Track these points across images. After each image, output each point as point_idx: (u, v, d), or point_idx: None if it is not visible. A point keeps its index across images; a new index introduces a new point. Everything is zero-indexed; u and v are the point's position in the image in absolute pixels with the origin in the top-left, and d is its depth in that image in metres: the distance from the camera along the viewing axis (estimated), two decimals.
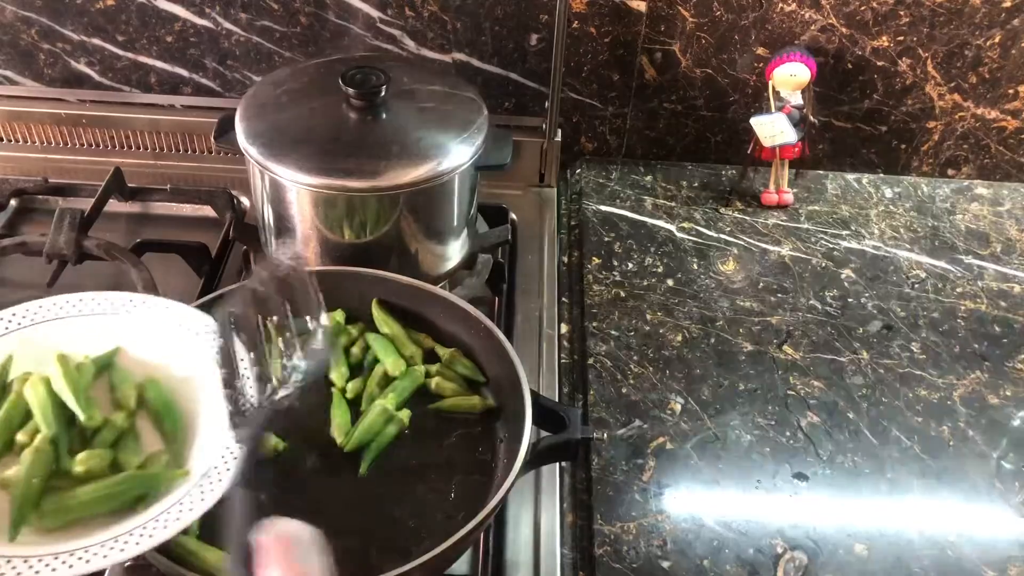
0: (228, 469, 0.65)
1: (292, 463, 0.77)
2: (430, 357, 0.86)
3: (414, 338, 0.87)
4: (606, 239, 1.12)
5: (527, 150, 1.19)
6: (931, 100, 1.19)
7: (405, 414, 0.80)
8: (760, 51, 1.16)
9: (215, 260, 1.04)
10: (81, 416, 0.69)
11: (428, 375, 0.84)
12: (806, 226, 1.15)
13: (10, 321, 0.76)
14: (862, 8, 1.12)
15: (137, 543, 0.60)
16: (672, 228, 1.14)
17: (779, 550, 0.79)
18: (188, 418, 0.72)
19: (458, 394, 0.83)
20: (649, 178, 1.22)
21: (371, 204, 0.90)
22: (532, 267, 1.09)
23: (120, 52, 1.18)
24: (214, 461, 0.66)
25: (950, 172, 1.26)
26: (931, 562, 0.79)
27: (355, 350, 0.86)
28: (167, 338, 0.76)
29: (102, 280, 1.05)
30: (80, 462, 0.66)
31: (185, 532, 0.70)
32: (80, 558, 0.59)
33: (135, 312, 0.78)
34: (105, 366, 0.75)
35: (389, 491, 0.76)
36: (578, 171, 1.25)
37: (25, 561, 0.59)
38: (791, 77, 1.11)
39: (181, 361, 0.75)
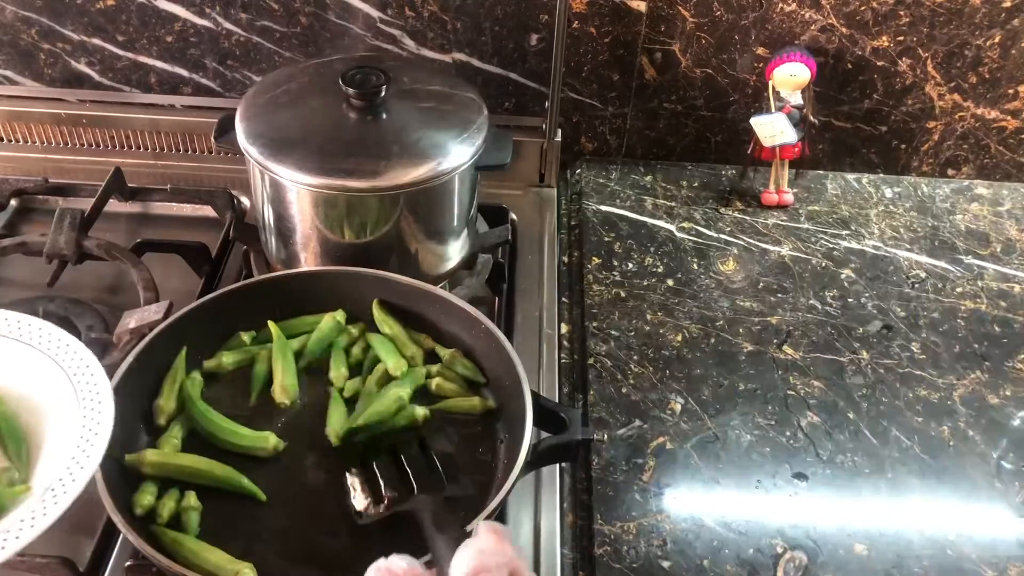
0: (73, 481, 0.62)
1: (292, 463, 0.77)
2: (431, 357, 0.86)
3: (415, 338, 0.87)
4: (606, 239, 1.12)
5: (527, 150, 1.19)
6: (931, 100, 1.19)
7: (422, 412, 0.79)
8: (760, 51, 1.16)
9: (215, 260, 1.04)
10: None
11: (429, 375, 0.84)
12: (806, 226, 1.15)
13: None
14: (862, 8, 1.12)
15: None
16: (672, 228, 1.14)
17: (779, 550, 0.79)
18: (32, 434, 0.68)
19: (458, 395, 0.83)
20: (649, 178, 1.22)
21: (371, 204, 0.90)
22: (532, 267, 1.09)
23: (120, 52, 1.18)
24: (58, 474, 0.63)
25: (950, 172, 1.26)
26: (931, 562, 0.79)
27: (355, 350, 0.86)
28: (7, 352, 0.72)
29: (102, 280, 1.05)
30: None
31: (185, 532, 0.71)
32: None
33: None
34: None
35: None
36: (578, 171, 1.25)
37: None
38: (791, 77, 1.11)
39: (23, 376, 0.71)
